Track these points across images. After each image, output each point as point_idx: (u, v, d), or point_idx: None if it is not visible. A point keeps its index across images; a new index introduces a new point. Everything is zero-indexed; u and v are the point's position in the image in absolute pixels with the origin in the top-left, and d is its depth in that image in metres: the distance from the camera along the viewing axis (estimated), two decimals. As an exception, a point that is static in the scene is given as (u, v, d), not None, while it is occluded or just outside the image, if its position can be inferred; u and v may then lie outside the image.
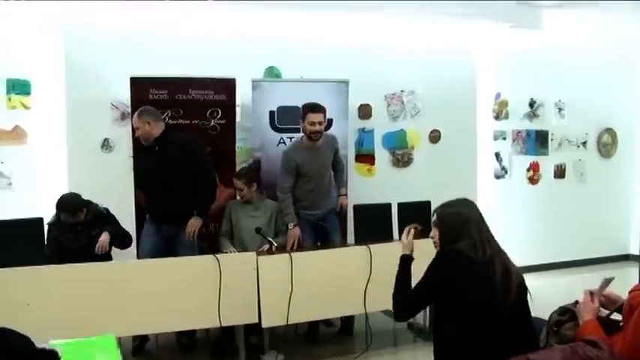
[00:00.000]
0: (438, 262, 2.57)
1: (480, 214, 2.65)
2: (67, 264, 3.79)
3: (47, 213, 4.31)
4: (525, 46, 6.62)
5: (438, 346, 2.56)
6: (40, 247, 4.22)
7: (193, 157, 4.26)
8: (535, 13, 6.38)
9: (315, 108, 4.58)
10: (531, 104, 6.92)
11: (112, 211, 4.43)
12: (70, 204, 4.20)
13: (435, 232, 2.68)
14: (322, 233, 4.82)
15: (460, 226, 2.60)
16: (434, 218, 2.71)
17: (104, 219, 4.31)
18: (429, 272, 2.57)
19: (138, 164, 4.63)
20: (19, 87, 5.02)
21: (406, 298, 2.69)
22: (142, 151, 4.47)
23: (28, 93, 5.05)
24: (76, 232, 4.22)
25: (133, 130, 4.36)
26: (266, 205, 4.72)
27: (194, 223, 4.24)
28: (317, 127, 4.54)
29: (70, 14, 4.99)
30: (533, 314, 2.55)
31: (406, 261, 2.80)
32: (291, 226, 4.58)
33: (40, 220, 4.25)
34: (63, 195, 4.28)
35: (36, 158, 5.01)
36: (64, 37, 5.09)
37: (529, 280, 2.56)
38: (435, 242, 2.69)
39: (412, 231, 2.90)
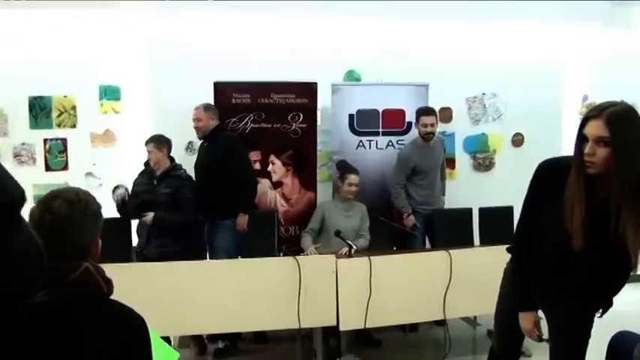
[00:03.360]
0: None
1: None
2: (149, 263, 4.01)
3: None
4: (614, 47, 6.30)
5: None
6: (127, 245, 4.39)
7: (231, 155, 4.42)
8: (626, 12, 6.09)
9: (427, 111, 4.97)
10: (622, 106, 6.58)
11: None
12: (159, 135, 4.43)
13: (603, 151, 2.08)
14: (431, 230, 5.08)
15: None
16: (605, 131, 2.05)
17: (179, 182, 4.35)
18: None
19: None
20: (110, 93, 5.27)
21: None
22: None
23: (118, 98, 5.30)
24: (151, 184, 4.37)
25: None
26: (357, 207, 4.86)
27: (240, 220, 4.42)
28: (429, 129, 4.91)
29: (156, 24, 5.20)
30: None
31: None
32: (405, 215, 4.94)
33: (127, 219, 4.44)
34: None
35: (125, 160, 5.22)
36: (150, 45, 5.29)
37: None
38: (598, 164, 2.11)
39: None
